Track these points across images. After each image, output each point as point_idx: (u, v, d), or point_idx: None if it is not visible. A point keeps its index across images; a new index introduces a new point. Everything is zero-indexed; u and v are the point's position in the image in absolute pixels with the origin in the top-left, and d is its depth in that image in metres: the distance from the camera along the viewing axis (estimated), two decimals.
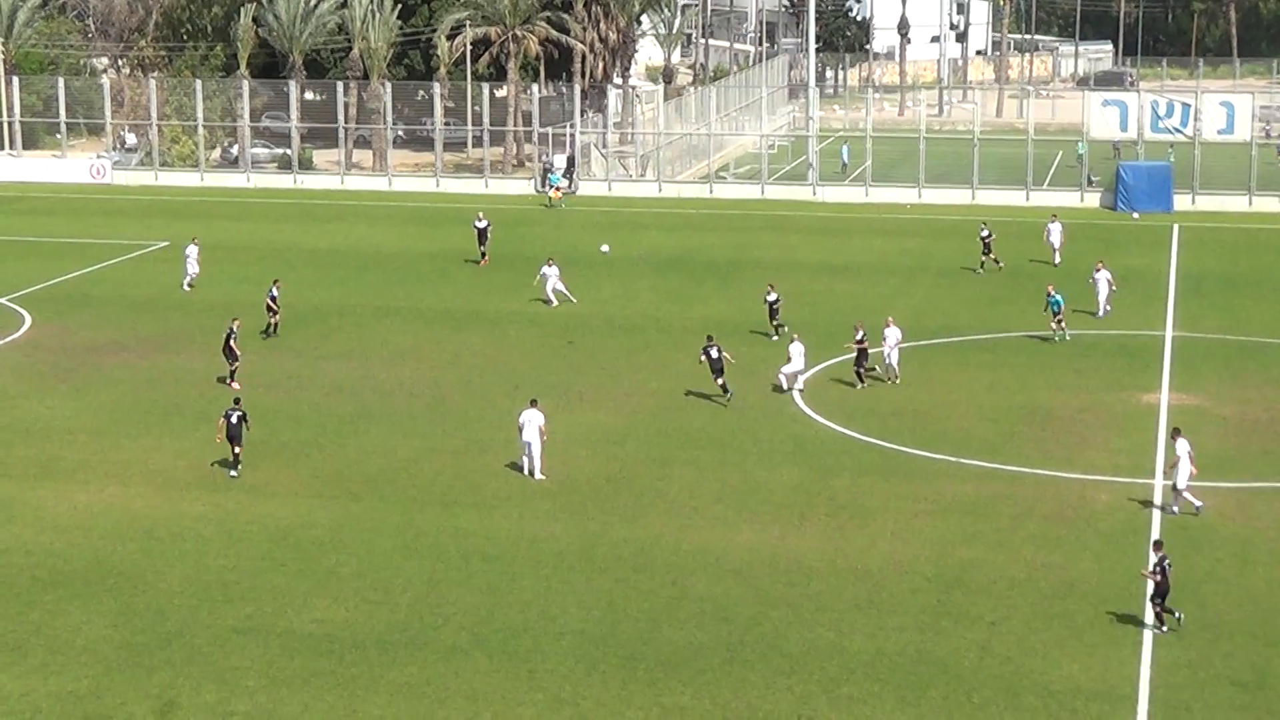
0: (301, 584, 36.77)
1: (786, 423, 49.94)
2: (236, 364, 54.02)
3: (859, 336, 53.42)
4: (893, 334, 53.80)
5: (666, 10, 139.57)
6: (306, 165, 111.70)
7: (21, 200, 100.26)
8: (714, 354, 51.78)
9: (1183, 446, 41.27)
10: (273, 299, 61.13)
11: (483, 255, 76.28)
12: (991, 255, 74.08)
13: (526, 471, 44.25)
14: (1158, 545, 34.93)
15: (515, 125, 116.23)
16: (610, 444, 47.55)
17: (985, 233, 74.55)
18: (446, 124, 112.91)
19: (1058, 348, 59.01)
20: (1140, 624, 34.22)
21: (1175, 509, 41.29)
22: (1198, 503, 41.39)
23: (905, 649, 33.23)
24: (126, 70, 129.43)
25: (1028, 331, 60.84)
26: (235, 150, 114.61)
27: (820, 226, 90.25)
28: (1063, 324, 59.79)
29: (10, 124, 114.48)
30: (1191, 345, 60.10)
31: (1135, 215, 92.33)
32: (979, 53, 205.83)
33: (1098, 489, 43.34)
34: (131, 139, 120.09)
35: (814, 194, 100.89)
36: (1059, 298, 59.69)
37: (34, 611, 35.21)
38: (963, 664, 32.56)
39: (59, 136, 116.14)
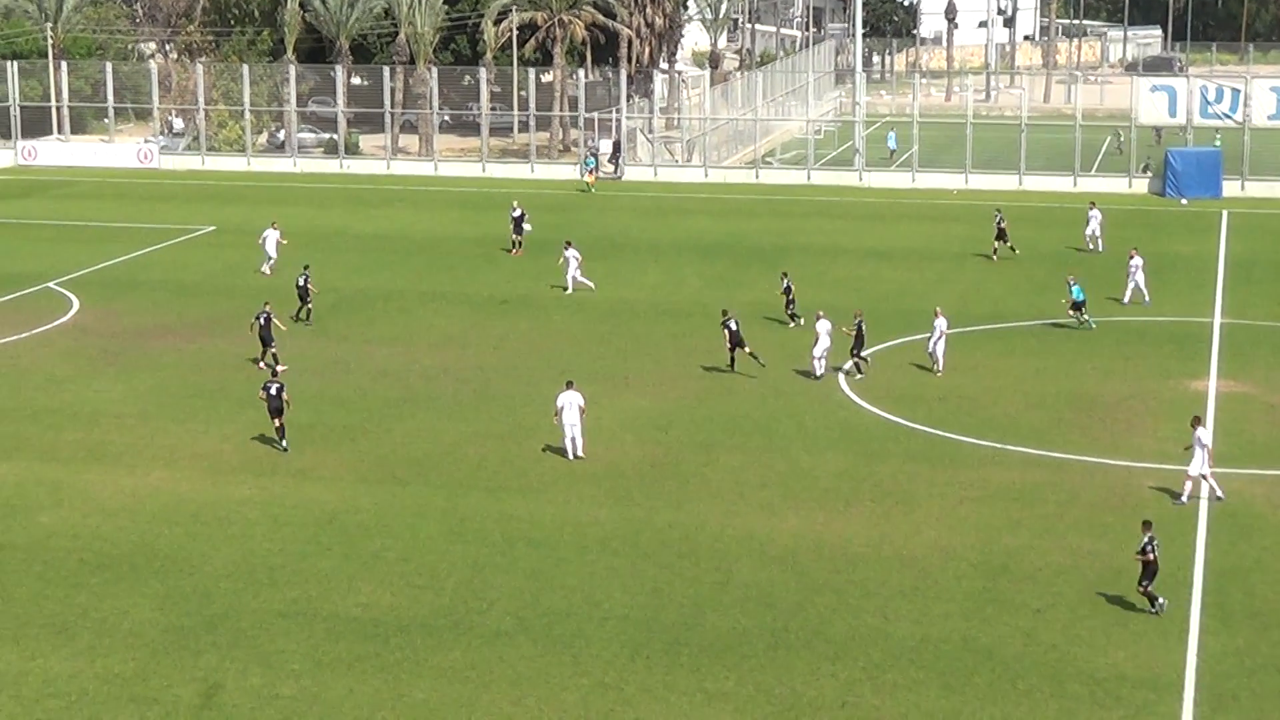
0: (347, 568, 36.85)
1: (833, 409, 49.83)
2: (274, 347, 54.23)
3: (856, 322, 53.12)
4: (940, 324, 53.53)
5: None
6: (353, 150, 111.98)
7: (70, 185, 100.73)
8: (733, 326, 52.92)
9: (1203, 435, 40.97)
10: (304, 285, 61.29)
11: (516, 244, 76.10)
12: (1006, 242, 73.71)
13: (572, 455, 44.36)
14: (1146, 525, 34.55)
15: (561, 110, 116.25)
16: (655, 429, 47.52)
17: (999, 218, 74.24)
18: (492, 109, 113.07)
19: (1104, 334, 58.74)
20: (1186, 611, 34.05)
21: (1220, 494, 41.06)
22: (1184, 498, 41.04)
23: (950, 636, 33.14)
24: (174, 55, 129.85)
25: (1050, 320, 60.41)
26: (282, 135, 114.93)
27: (867, 212, 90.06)
28: (1077, 313, 59.37)
29: (59, 109, 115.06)
30: (1240, 331, 59.78)
31: (1184, 201, 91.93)
32: (1027, 38, 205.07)
33: (1145, 476, 43.12)
34: (179, 124, 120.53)
35: (860, 179, 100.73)
36: (1078, 288, 59.51)
37: (81, 594, 35.38)
38: (1008, 651, 32.45)
39: (107, 121, 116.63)
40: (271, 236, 70.68)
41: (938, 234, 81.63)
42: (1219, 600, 34.69)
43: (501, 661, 31.94)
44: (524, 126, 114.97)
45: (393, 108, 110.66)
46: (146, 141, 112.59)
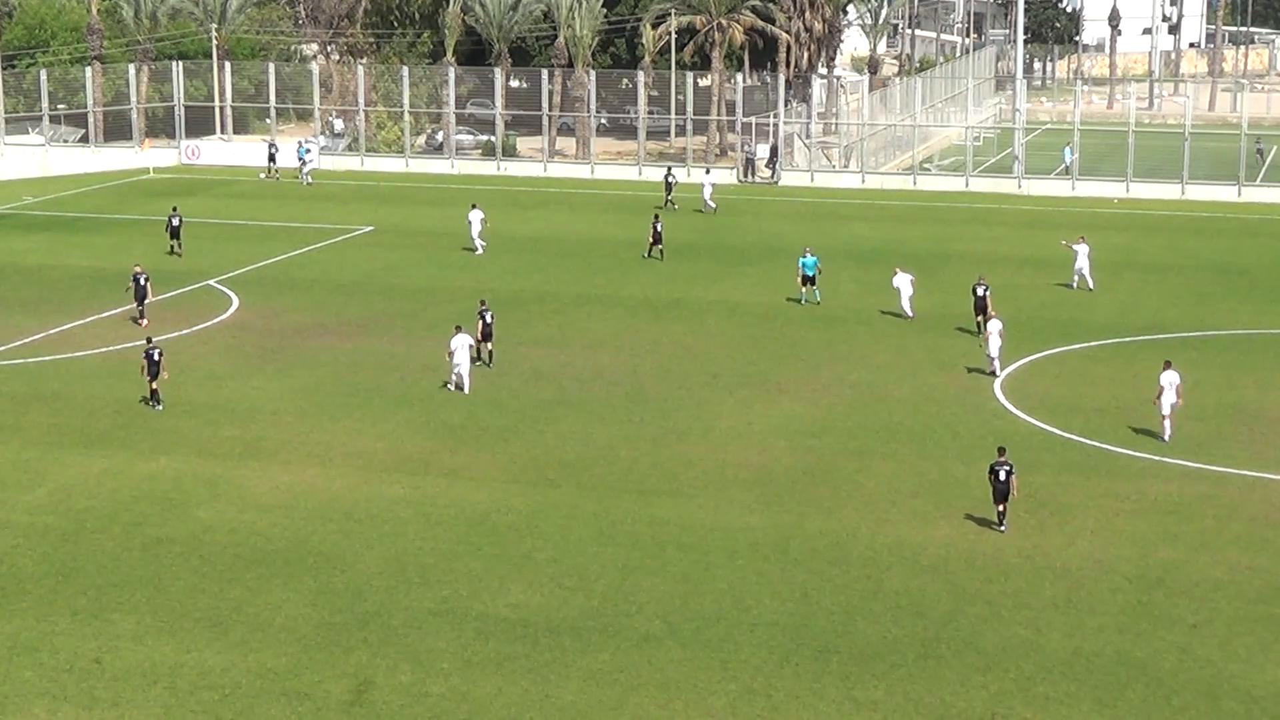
0: (497, 568, 36.98)
1: (987, 418, 49.38)
2: (144, 306, 60.56)
3: None
4: (994, 326, 53.70)
5: (873, 0, 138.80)
6: (510, 152, 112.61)
7: (231, 184, 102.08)
8: (979, 291, 57.65)
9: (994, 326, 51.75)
10: (176, 225, 74.78)
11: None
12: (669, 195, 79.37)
13: (454, 387, 51.09)
14: (1000, 450, 39.46)
15: (718, 114, 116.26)
16: (808, 436, 47.32)
17: (669, 175, 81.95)
18: (650, 112, 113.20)
19: (1266, 347, 57.85)
20: None
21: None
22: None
23: (1103, 649, 32.71)
24: (335, 56, 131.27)
25: (1211, 331, 59.51)
26: (440, 136, 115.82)
27: (1025, 220, 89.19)
28: (807, 288, 64.99)
29: (222, 109, 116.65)
30: None
31: None
32: (1192, 45, 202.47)
33: None
34: (339, 124, 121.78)
35: (1019, 187, 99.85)
36: (812, 260, 64.85)
37: (235, 589, 35.77)
38: (1162, 666, 31.98)
39: (269, 121, 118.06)
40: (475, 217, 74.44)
41: (1097, 243, 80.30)
42: None
43: (650, 665, 31.92)
44: (681, 130, 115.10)
45: (550, 110, 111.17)
46: (306, 141, 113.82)
